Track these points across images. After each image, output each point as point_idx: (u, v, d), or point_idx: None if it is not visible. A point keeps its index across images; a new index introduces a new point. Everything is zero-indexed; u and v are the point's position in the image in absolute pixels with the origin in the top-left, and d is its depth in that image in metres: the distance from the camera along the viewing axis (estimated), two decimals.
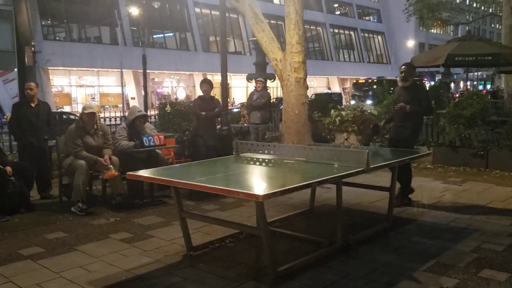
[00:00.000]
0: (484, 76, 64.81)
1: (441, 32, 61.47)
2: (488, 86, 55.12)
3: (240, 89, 40.11)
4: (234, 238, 4.73)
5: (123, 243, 4.76)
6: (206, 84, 7.65)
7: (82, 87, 33.58)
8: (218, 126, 8.03)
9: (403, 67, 6.15)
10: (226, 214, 5.68)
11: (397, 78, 6.41)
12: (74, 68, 31.66)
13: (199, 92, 7.95)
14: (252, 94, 10.19)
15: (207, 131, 7.34)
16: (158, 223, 5.41)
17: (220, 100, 8.20)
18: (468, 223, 5.19)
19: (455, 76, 54.36)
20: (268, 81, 13.34)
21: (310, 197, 5.75)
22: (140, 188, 6.40)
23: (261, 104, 9.72)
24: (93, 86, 33.87)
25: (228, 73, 8.22)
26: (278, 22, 35.23)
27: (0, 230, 5.22)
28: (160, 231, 5.11)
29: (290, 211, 5.75)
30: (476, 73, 58.35)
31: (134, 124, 6.44)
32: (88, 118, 6.15)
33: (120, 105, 31.51)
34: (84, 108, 6.31)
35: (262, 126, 9.71)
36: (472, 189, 6.90)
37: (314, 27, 47.53)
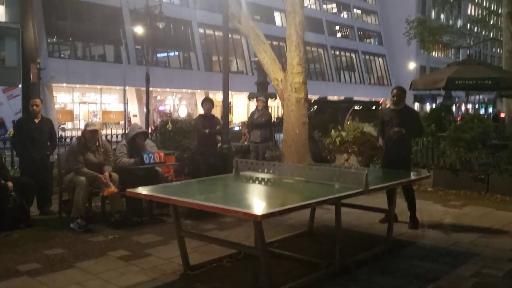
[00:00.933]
0: (486, 99, 65.09)
1: (442, 55, 61.96)
2: (490, 109, 55.30)
3: (242, 108, 40.36)
4: (232, 258, 4.71)
5: (121, 260, 4.74)
6: (208, 102, 7.77)
7: (85, 104, 33.76)
8: (219, 144, 8.06)
9: (395, 91, 6.22)
10: (225, 234, 5.66)
11: (389, 101, 6.52)
12: (78, 85, 31.89)
13: (201, 110, 8.01)
14: (253, 113, 10.26)
15: (210, 148, 7.39)
16: (156, 241, 5.40)
17: (220, 118, 8.27)
18: (468, 247, 5.17)
19: (456, 99, 54.61)
20: (269, 100, 13.45)
21: (309, 217, 5.74)
22: (139, 206, 6.39)
23: (262, 123, 9.77)
24: (95, 103, 34.05)
25: (230, 92, 8.29)
26: (280, 44, 35.56)
27: None
28: (158, 249, 5.09)
29: (289, 231, 5.74)
30: (477, 96, 58.66)
31: (135, 141, 6.48)
32: (91, 135, 6.20)
33: (122, 122, 31.62)
34: (86, 125, 6.36)
35: (262, 145, 9.73)
36: (472, 213, 6.88)
37: (316, 49, 48.00)
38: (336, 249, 4.36)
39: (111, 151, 6.53)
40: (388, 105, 6.50)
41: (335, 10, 54.01)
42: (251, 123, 10.04)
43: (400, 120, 6.02)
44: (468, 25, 35.79)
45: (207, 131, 7.50)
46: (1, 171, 6.02)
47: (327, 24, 50.66)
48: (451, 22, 35.69)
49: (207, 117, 7.69)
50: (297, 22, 9.42)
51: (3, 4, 27.95)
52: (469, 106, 53.75)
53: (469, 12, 64.18)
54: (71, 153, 6.16)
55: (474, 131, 8.84)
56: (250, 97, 13.85)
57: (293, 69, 9.41)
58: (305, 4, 48.50)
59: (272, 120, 19.59)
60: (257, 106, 10.11)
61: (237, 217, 5.08)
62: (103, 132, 10.23)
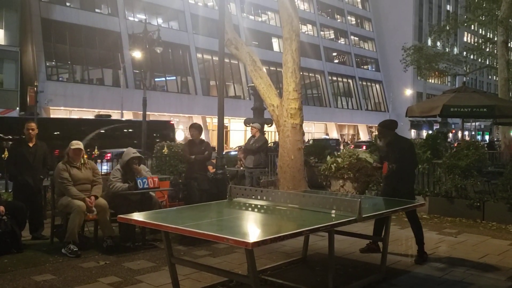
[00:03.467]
0: (482, 126, 65.54)
1: (439, 82, 62.64)
2: (487, 137, 55.62)
3: (239, 133, 40.46)
4: (224, 285, 4.65)
5: (112, 287, 4.67)
6: (194, 128, 7.74)
7: None
8: (212, 169, 8.03)
9: (378, 127, 6.18)
10: (217, 261, 5.60)
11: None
12: (76, 109, 31.98)
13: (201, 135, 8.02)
14: (249, 139, 10.30)
15: (199, 174, 7.35)
16: (148, 267, 5.33)
17: (210, 143, 8.28)
18: (462, 276, 5.12)
19: (453, 126, 54.97)
20: (266, 126, 13.48)
21: (303, 245, 5.69)
22: (132, 231, 6.33)
23: (255, 148, 9.78)
24: None
25: (226, 117, 8.33)
26: (278, 69, 35.92)
27: None
28: (149, 276, 5.02)
29: (283, 259, 5.68)
30: (474, 123, 59.06)
31: (129, 166, 6.46)
32: (74, 153, 6.26)
33: None
34: (71, 144, 6.41)
35: (255, 171, 9.70)
36: (467, 241, 6.83)
37: (313, 75, 48.52)
38: (328, 277, 4.31)
39: (98, 169, 6.59)
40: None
41: (332, 36, 54.78)
42: (245, 149, 10.07)
43: (394, 154, 5.91)
44: (464, 52, 36.29)
45: (193, 157, 7.47)
46: None
47: (324, 50, 51.30)
48: (447, 49, 36.15)
49: (194, 143, 7.67)
50: (293, 48, 9.52)
51: (2, 28, 28.24)
52: (466, 132, 54.07)
53: (465, 40, 65.15)
54: (57, 173, 6.20)
55: (470, 158, 8.85)
56: (246, 123, 13.89)
57: (289, 95, 9.47)
58: (303, 30, 48.95)
59: (269, 145, 19.60)
60: (251, 133, 10.21)
61: (229, 244, 5.04)
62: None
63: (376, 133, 6.18)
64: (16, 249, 5.89)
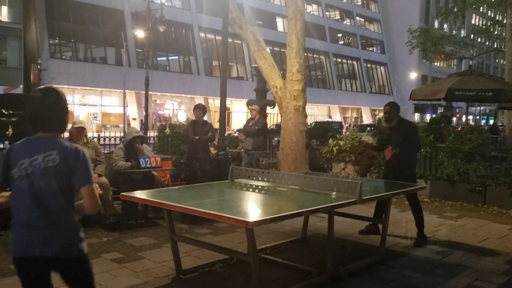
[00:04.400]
0: (487, 110, 65.16)
1: (444, 65, 62.09)
2: (491, 121, 55.35)
3: (241, 114, 40.40)
4: (224, 263, 4.72)
5: (114, 263, 4.74)
6: (199, 109, 7.74)
7: (85, 106, 33.84)
8: (214, 151, 8.05)
9: (387, 107, 6.06)
10: (218, 239, 5.66)
11: (382, 118, 6.38)
12: (78, 87, 31.97)
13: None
14: (248, 121, 10.27)
15: (201, 155, 7.37)
16: (150, 244, 5.40)
17: (213, 124, 8.26)
18: (461, 259, 5.16)
19: (457, 110, 54.70)
20: (268, 108, 13.45)
21: (303, 225, 5.74)
22: (135, 209, 6.40)
23: (254, 130, 9.74)
24: (95, 106, 34.13)
25: (229, 98, 8.31)
26: (282, 50, 35.66)
27: None
28: (152, 252, 5.09)
29: (282, 238, 5.73)
30: (479, 108, 58.73)
31: (132, 145, 6.49)
32: (77, 132, 6.27)
33: (121, 125, 31.68)
34: (74, 123, 6.42)
35: (253, 153, 9.67)
36: (467, 225, 6.87)
37: (317, 56, 48.13)
38: (328, 257, 4.36)
39: (101, 149, 6.60)
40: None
41: (338, 17, 54.18)
42: (244, 131, 10.03)
43: (398, 137, 5.87)
44: (472, 35, 35.82)
45: (197, 137, 7.49)
46: None
47: (329, 31, 50.81)
48: (454, 32, 35.75)
49: (198, 124, 7.68)
50: (298, 28, 9.45)
51: (6, 5, 28.05)
52: (470, 117, 53.82)
53: (473, 22, 64.36)
54: None
55: (473, 142, 8.83)
56: (248, 104, 13.85)
57: (293, 76, 9.43)
58: (308, 10, 48.50)
59: (270, 127, 19.57)
60: (250, 115, 10.16)
61: (230, 223, 5.09)
62: (102, 134, 10.24)
63: (381, 115, 6.09)
64: None
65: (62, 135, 2.64)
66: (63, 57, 31.60)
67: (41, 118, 2.45)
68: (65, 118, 2.52)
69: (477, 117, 61.84)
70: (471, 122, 46.90)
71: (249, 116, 10.02)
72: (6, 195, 2.49)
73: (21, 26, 28.07)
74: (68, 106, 2.61)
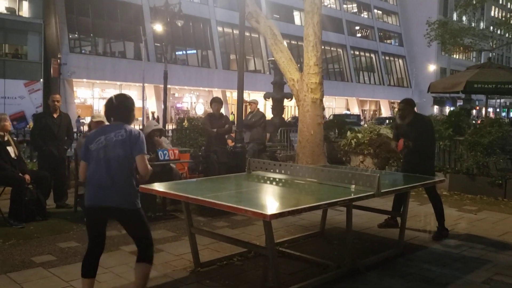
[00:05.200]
0: (508, 103, 63.94)
1: (464, 58, 61.07)
2: None
3: (258, 107, 40.33)
4: (242, 256, 4.75)
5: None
6: (216, 102, 7.78)
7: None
8: (231, 143, 8.08)
9: (401, 104, 6.01)
10: (236, 232, 5.69)
11: (396, 115, 6.30)
12: (98, 81, 32.33)
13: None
14: (247, 114, 10.35)
15: (219, 147, 7.42)
16: (168, 237, 5.46)
17: (228, 117, 8.29)
18: (480, 253, 5.11)
19: (477, 102, 53.83)
20: (285, 100, 13.42)
21: (321, 219, 5.74)
22: (153, 202, 6.47)
23: (251, 123, 9.77)
24: None
25: (246, 91, 8.33)
26: (299, 43, 35.50)
27: (15, 236, 5.34)
28: (170, 245, 5.15)
29: (300, 232, 5.74)
30: (499, 100, 57.67)
31: (150, 138, 6.55)
32: (96, 125, 6.34)
33: (140, 119, 31.96)
34: (93, 117, 6.52)
35: (250, 145, 9.58)
36: (487, 219, 6.79)
37: (335, 49, 47.78)
38: (346, 251, 4.36)
39: None
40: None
41: (355, 10, 53.66)
42: (243, 124, 9.91)
43: (413, 133, 5.82)
44: (491, 27, 35.18)
45: (214, 130, 7.53)
46: (19, 164, 6.15)
47: (347, 24, 50.36)
48: (473, 24, 35.13)
49: (215, 116, 7.71)
50: (315, 22, 9.39)
51: (27, 0, 28.45)
52: (490, 109, 52.88)
53: (492, 14, 63.09)
54: (78, 146, 6.32)
55: (493, 135, 8.70)
56: (265, 97, 13.84)
57: (310, 69, 9.39)
58: (325, 4, 47.99)
59: (288, 120, 19.46)
60: (250, 109, 10.23)
61: (247, 216, 5.11)
62: None
63: (398, 109, 6.02)
64: (42, 216, 6.09)
65: (130, 124, 3.58)
66: (83, 51, 31.96)
67: (112, 112, 3.57)
68: (129, 113, 3.58)
69: (497, 110, 60.73)
70: (491, 115, 46.12)
71: (268, 108, 10.02)
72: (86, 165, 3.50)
73: (42, 21, 28.49)
74: (133, 105, 3.68)
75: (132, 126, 3.59)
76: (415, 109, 6.19)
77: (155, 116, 32.19)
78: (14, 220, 5.78)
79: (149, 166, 3.47)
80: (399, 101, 6.43)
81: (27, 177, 6.01)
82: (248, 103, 10.54)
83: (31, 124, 7.36)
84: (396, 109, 36.03)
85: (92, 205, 3.43)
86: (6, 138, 6.15)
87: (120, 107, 3.56)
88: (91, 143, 3.46)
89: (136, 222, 3.49)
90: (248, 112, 10.37)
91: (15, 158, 6.15)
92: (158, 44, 31.92)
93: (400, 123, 6.05)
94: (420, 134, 5.82)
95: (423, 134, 5.85)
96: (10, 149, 6.13)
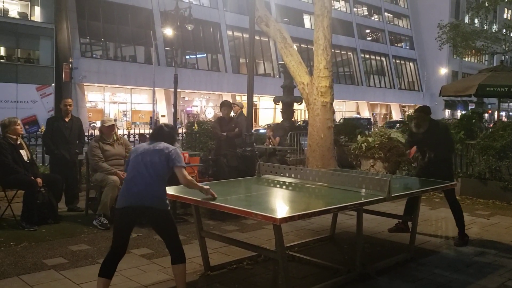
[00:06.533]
0: None
1: (476, 61, 60.56)
2: None
3: (268, 111, 40.44)
4: (252, 260, 4.74)
5: (143, 258, 4.83)
6: (227, 106, 7.77)
7: (115, 103, 34.46)
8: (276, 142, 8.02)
9: (416, 113, 5.93)
10: (246, 236, 5.69)
11: (411, 124, 6.19)
12: (109, 85, 32.56)
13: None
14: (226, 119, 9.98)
15: (229, 151, 7.42)
16: None
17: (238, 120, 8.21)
18: (493, 259, 5.05)
19: (489, 106, 53.29)
20: (295, 104, 13.41)
21: (331, 223, 5.71)
22: None
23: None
24: (125, 103, 34.71)
25: (256, 95, 8.32)
26: (309, 46, 35.44)
27: (27, 239, 5.39)
28: None
29: (310, 236, 5.72)
30: (511, 104, 57.07)
31: None
32: (108, 130, 6.42)
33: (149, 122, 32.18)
34: (103, 121, 6.59)
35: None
36: (500, 224, 6.71)
37: (345, 52, 47.67)
38: (356, 255, 4.34)
39: (130, 145, 6.72)
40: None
41: (365, 13, 53.50)
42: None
43: (431, 141, 5.72)
44: (504, 30, 34.85)
45: (224, 134, 7.53)
46: (31, 168, 6.21)
47: (357, 27, 50.24)
48: (485, 26, 34.86)
49: (224, 120, 7.72)
50: (325, 25, 9.39)
51: (38, 5, 28.78)
52: (502, 113, 52.34)
53: (505, 17, 62.51)
54: (90, 150, 6.40)
55: (505, 139, 8.61)
56: (275, 101, 13.84)
57: (320, 72, 9.38)
58: (336, 7, 48.00)
59: (298, 123, 19.36)
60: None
61: (257, 220, 5.11)
62: (132, 131, 10.43)
63: (410, 112, 5.87)
64: (53, 219, 6.13)
65: (170, 144, 3.82)
66: (94, 55, 32.24)
67: (159, 137, 3.83)
68: (168, 136, 3.84)
69: (510, 114, 60.10)
70: (504, 119, 45.62)
71: (278, 112, 9.87)
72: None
73: (53, 26, 28.79)
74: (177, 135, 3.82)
75: (96, 135, 3.85)
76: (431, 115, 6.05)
77: (159, 117, 32.37)
78: (26, 223, 5.83)
79: (188, 177, 3.76)
80: (409, 104, 6.38)
81: (39, 180, 6.06)
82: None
83: (43, 128, 7.45)
84: (406, 113, 35.80)
85: (123, 206, 3.66)
86: (18, 142, 6.22)
87: (168, 136, 3.84)
88: (132, 154, 3.83)
89: (164, 223, 3.73)
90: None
91: (28, 161, 6.21)
92: (168, 48, 32.09)
93: (416, 131, 5.93)
94: (438, 143, 5.72)
95: (441, 142, 5.74)
96: (23, 152, 6.19)
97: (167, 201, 3.73)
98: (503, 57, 29.84)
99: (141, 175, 3.62)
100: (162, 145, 3.71)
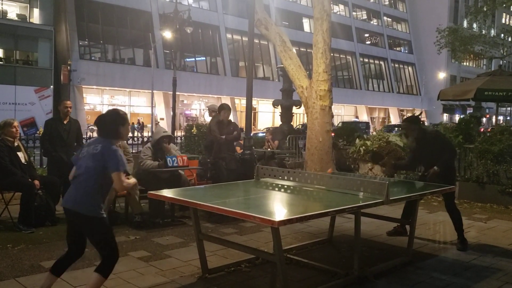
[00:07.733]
0: None
1: (474, 65, 60.73)
2: None
3: (267, 114, 40.43)
4: (250, 263, 4.73)
5: (141, 261, 4.82)
6: (226, 109, 7.74)
7: (113, 106, 34.42)
8: (239, 150, 8.07)
9: (403, 123, 5.81)
10: (244, 239, 5.69)
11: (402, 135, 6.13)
12: (107, 88, 32.56)
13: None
14: (218, 123, 9.91)
15: (227, 154, 7.42)
16: (176, 243, 5.46)
17: (238, 124, 8.21)
18: (491, 262, 5.05)
19: (487, 110, 53.39)
20: (294, 108, 13.42)
21: (329, 226, 5.71)
22: (162, 208, 6.49)
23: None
24: (124, 106, 34.67)
25: (255, 98, 8.33)
26: (308, 50, 35.49)
27: (24, 241, 5.37)
28: (178, 251, 5.15)
29: (308, 239, 5.72)
30: (509, 108, 57.24)
31: (159, 144, 6.58)
32: None
33: (149, 125, 32.13)
34: None
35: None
36: (497, 227, 6.72)
37: (344, 56, 47.76)
38: (354, 258, 4.33)
39: (128, 148, 6.69)
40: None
41: (365, 17, 53.64)
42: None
43: (432, 149, 5.62)
44: (502, 34, 35.01)
45: (223, 137, 7.52)
46: (29, 170, 6.20)
47: (356, 31, 50.35)
48: (484, 31, 34.98)
49: (223, 123, 7.70)
50: (324, 29, 9.41)
51: (37, 7, 28.79)
52: (500, 117, 52.45)
53: (503, 21, 62.73)
54: None
55: (503, 143, 8.64)
56: (274, 104, 13.85)
57: (319, 76, 9.40)
58: (335, 11, 48.19)
59: (296, 127, 19.39)
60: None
61: (255, 223, 5.10)
62: (130, 134, 10.42)
63: (401, 128, 5.78)
64: (51, 222, 6.12)
65: (115, 140, 3.65)
66: (92, 58, 32.24)
67: (98, 128, 3.66)
68: (111, 129, 3.60)
69: (508, 118, 60.24)
70: (502, 123, 45.70)
71: (277, 115, 9.86)
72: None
73: (52, 28, 28.80)
74: (120, 121, 3.64)
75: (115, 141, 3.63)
76: (424, 123, 5.90)
77: (158, 120, 32.35)
78: (24, 225, 5.81)
79: (124, 183, 3.50)
80: (408, 108, 6.38)
81: (36, 182, 6.05)
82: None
83: (41, 130, 7.44)
84: (405, 117, 35.82)
85: (63, 206, 3.67)
86: (16, 144, 6.20)
87: (100, 123, 3.64)
88: (79, 153, 3.70)
89: (91, 230, 3.57)
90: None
91: (25, 163, 6.20)
92: (167, 51, 32.12)
93: (408, 144, 5.83)
94: (437, 154, 5.61)
95: (441, 152, 5.63)
96: (20, 155, 6.18)
97: (100, 209, 3.50)
98: (501, 62, 29.97)
99: (76, 178, 3.55)
100: (100, 146, 3.50)
